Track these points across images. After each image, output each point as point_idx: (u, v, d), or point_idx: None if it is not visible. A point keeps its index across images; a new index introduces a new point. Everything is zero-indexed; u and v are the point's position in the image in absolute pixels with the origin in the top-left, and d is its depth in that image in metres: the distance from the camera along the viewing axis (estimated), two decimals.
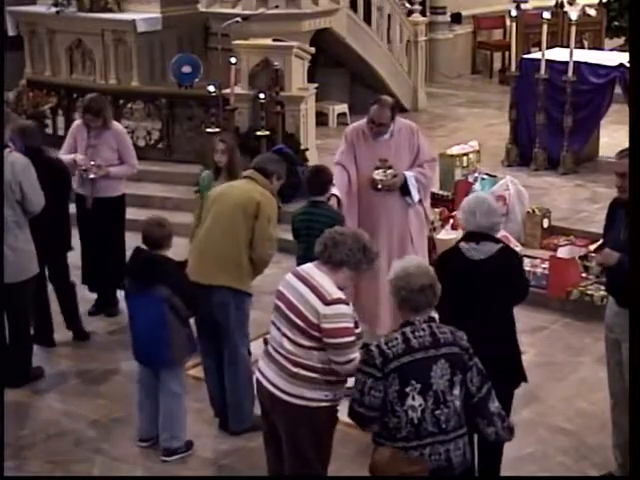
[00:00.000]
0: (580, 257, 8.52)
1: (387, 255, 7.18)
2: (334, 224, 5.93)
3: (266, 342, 6.99)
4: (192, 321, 6.46)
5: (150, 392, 6.38)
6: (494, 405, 4.65)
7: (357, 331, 5.05)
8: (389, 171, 7.10)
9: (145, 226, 6.29)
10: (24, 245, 6.99)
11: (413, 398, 4.51)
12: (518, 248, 9.01)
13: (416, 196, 7.21)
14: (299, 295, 5.02)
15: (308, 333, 4.96)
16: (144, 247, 6.26)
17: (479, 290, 5.41)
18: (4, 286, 6.77)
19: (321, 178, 6.99)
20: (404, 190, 7.19)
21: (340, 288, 5.02)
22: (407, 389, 4.51)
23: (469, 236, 5.52)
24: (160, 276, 6.13)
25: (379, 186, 7.11)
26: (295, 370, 5.00)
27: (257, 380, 5.26)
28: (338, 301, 4.94)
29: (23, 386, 7.13)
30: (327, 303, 4.92)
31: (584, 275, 8.38)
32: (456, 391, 4.55)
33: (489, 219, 5.50)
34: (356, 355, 4.90)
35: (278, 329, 5.12)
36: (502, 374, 5.15)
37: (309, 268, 5.10)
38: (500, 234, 8.97)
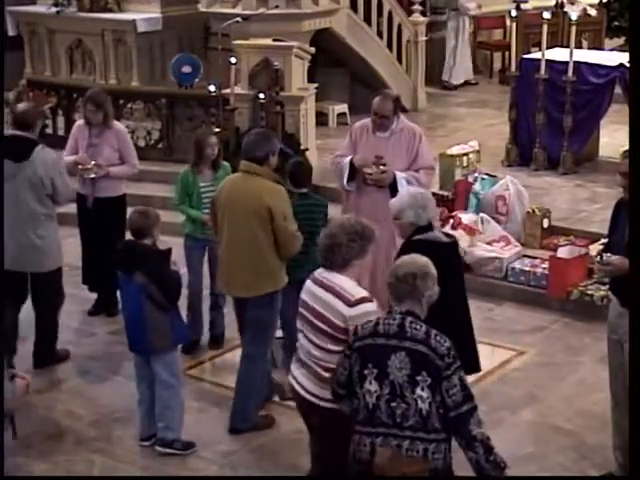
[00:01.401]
0: (595, 255, 8.43)
1: (372, 255, 7.21)
2: (324, 209, 6.57)
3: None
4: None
5: (145, 384, 6.43)
6: (478, 430, 4.50)
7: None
8: (380, 167, 7.14)
9: (130, 215, 6.46)
10: (54, 236, 7.37)
11: (370, 382, 4.55)
12: (518, 248, 9.03)
13: None
14: (323, 302, 5.08)
15: (335, 337, 5.00)
16: (130, 237, 6.44)
17: (458, 270, 5.56)
18: (35, 275, 7.22)
19: (304, 171, 7.17)
20: (394, 191, 7.20)
21: (359, 282, 5.10)
22: (365, 371, 4.57)
23: (428, 228, 5.75)
24: (137, 264, 6.22)
25: (367, 180, 7.17)
26: (326, 375, 5.03)
27: (291, 386, 5.33)
28: (362, 301, 4.98)
29: (49, 366, 7.46)
30: (351, 305, 4.96)
31: (598, 271, 8.19)
32: (422, 392, 4.48)
33: (433, 209, 5.81)
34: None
35: (305, 337, 5.20)
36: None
37: (326, 273, 5.15)
38: (500, 234, 9.07)
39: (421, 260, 4.73)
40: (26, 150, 7.14)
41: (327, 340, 5.02)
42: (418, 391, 4.49)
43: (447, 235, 5.89)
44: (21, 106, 7.66)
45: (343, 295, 5.01)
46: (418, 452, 4.50)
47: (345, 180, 7.33)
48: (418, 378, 4.49)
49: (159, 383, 6.36)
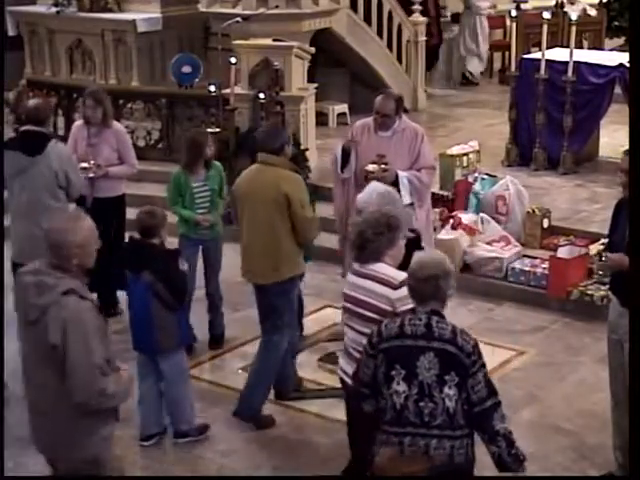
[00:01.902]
0: (596, 255, 8.46)
1: None
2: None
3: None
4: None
5: (149, 383, 6.46)
6: (501, 425, 4.57)
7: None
8: (382, 166, 7.15)
9: (138, 215, 6.47)
10: None
11: (398, 383, 4.54)
12: (518, 248, 9.03)
13: (406, 197, 7.21)
14: (367, 290, 5.18)
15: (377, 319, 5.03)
16: (137, 236, 6.43)
17: None
18: None
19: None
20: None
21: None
22: (392, 372, 4.55)
23: None
24: (145, 263, 6.25)
25: (368, 178, 7.17)
26: None
27: (341, 379, 5.37)
28: (404, 283, 4.94)
29: None
30: (395, 287, 5.01)
31: (601, 273, 8.26)
32: (449, 391, 4.50)
33: (399, 208, 5.82)
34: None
35: (352, 329, 5.26)
36: None
37: (364, 266, 5.23)
38: (500, 234, 9.07)
39: (439, 258, 4.74)
40: (40, 144, 7.24)
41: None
42: (446, 390, 4.51)
43: (411, 230, 5.93)
44: (33, 101, 7.77)
45: (385, 279, 5.11)
46: (445, 449, 4.52)
47: (339, 168, 7.34)
48: (446, 377, 4.52)
49: (167, 382, 6.41)
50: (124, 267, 6.38)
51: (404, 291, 4.89)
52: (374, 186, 6.06)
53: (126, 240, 8.13)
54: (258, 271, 6.65)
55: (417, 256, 4.76)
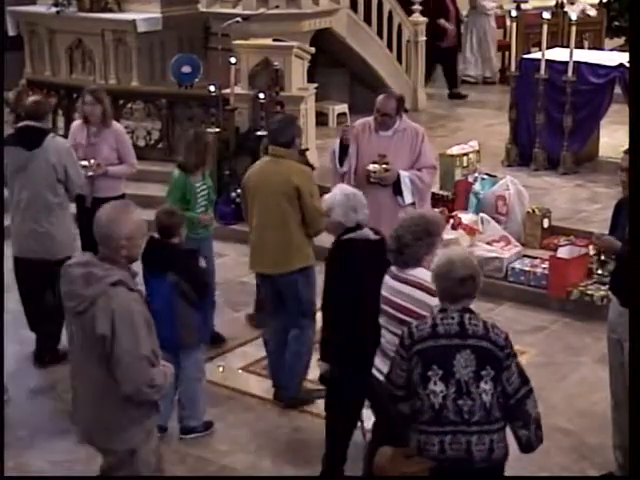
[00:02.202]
0: (590, 256, 8.48)
1: None
2: None
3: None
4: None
5: None
6: (534, 409, 4.64)
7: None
8: (384, 166, 7.15)
9: (156, 214, 6.56)
10: (65, 226, 7.50)
11: (435, 383, 4.54)
12: (518, 248, 9.03)
13: (408, 197, 7.22)
14: (405, 295, 5.19)
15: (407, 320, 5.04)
16: (156, 236, 6.50)
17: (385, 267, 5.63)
18: (49, 263, 7.16)
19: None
20: (397, 189, 7.20)
21: None
22: (429, 373, 4.55)
23: (357, 227, 5.83)
24: (168, 263, 6.35)
25: (371, 178, 7.17)
26: None
27: (378, 381, 5.34)
28: None
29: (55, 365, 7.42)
30: (434, 294, 4.95)
31: (600, 272, 8.30)
32: (486, 386, 4.54)
33: (364, 213, 5.86)
34: None
35: (389, 331, 5.26)
36: None
37: (403, 270, 5.24)
38: (500, 234, 9.06)
39: (466, 256, 4.78)
40: (38, 138, 7.32)
41: None
42: (482, 385, 4.54)
43: (375, 232, 5.93)
44: (32, 97, 7.86)
45: (424, 285, 5.10)
46: (485, 444, 4.56)
47: (337, 162, 7.34)
48: (483, 373, 4.54)
49: (187, 379, 6.48)
50: (146, 268, 6.31)
51: None
52: (340, 187, 6.08)
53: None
54: (270, 262, 6.77)
55: (443, 256, 4.74)
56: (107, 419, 4.71)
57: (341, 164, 7.34)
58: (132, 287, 4.65)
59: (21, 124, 7.58)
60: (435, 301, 4.91)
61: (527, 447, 4.68)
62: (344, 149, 7.30)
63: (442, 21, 14.47)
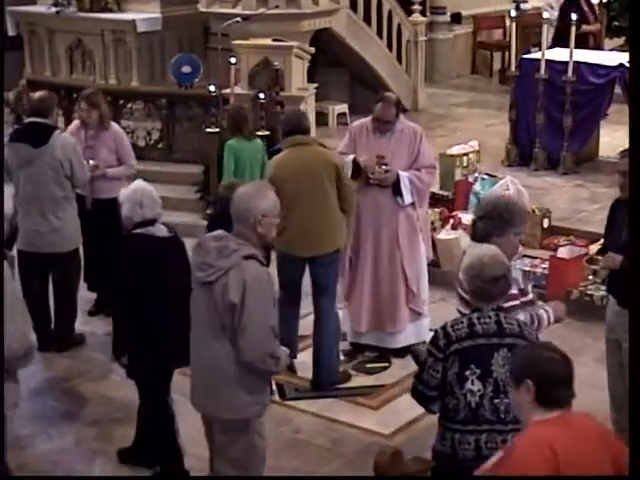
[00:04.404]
0: (587, 260, 8.49)
1: (373, 254, 7.26)
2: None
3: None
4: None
5: None
6: None
7: (526, 298, 5.20)
8: (383, 167, 7.14)
9: (219, 189, 6.99)
10: (72, 218, 7.64)
11: (472, 382, 4.56)
12: (518, 248, 9.01)
13: (408, 197, 7.21)
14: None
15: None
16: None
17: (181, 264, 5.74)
18: (55, 256, 7.49)
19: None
20: (396, 190, 7.20)
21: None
22: (466, 373, 4.57)
23: (148, 223, 5.89)
24: None
25: (370, 180, 7.16)
26: None
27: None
28: None
29: (65, 351, 7.64)
30: None
31: (590, 278, 8.36)
32: None
33: (155, 210, 5.95)
34: (523, 317, 4.98)
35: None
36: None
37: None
38: None
39: (498, 255, 4.80)
40: (45, 135, 7.40)
41: None
42: None
43: (169, 230, 5.99)
44: (37, 94, 7.90)
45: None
46: None
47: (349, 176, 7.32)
48: None
49: None
50: None
51: None
52: (134, 183, 6.27)
53: None
54: (317, 244, 6.96)
55: (474, 257, 4.75)
56: (225, 389, 4.91)
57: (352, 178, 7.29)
58: (263, 262, 4.89)
59: (27, 120, 7.68)
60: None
61: None
62: (356, 167, 7.24)
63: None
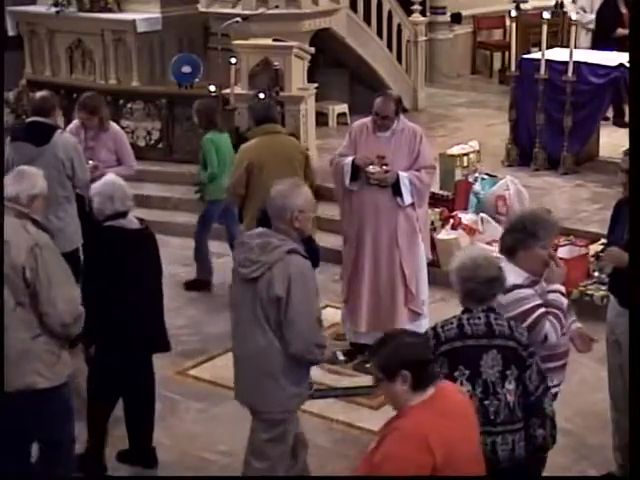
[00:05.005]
0: (593, 256, 8.48)
1: (373, 255, 7.26)
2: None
3: None
4: None
5: None
6: (550, 407, 4.69)
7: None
8: (384, 167, 7.14)
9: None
10: (72, 219, 7.76)
11: (461, 384, 4.55)
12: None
13: (407, 198, 7.21)
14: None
15: None
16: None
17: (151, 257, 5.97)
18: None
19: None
20: (396, 190, 7.20)
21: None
22: (455, 374, 4.56)
23: (119, 215, 6.04)
24: None
25: (370, 180, 7.16)
26: None
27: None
28: (514, 287, 4.90)
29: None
30: (504, 292, 4.88)
31: (596, 274, 8.35)
32: (509, 385, 4.58)
33: (126, 203, 6.05)
34: (547, 328, 4.89)
35: None
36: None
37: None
38: (500, 234, 9.05)
39: (490, 256, 4.82)
40: (47, 135, 7.45)
41: None
42: (507, 385, 4.58)
43: (141, 222, 6.12)
44: (39, 93, 7.99)
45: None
46: (508, 444, 4.61)
47: (348, 180, 7.31)
48: (508, 372, 4.58)
49: None
50: None
51: (511, 296, 4.87)
52: (106, 176, 6.43)
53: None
54: None
55: (466, 257, 4.73)
56: (269, 383, 5.10)
57: (352, 180, 7.29)
58: (305, 255, 5.08)
59: (29, 120, 7.71)
60: (503, 300, 4.81)
61: (543, 446, 4.72)
62: (355, 169, 7.24)
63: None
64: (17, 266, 5.08)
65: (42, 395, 5.17)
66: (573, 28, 10.77)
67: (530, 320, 4.88)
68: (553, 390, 4.95)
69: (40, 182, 5.50)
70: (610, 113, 11.67)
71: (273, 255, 5.00)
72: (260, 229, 5.21)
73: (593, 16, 12.63)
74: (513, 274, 4.94)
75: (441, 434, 3.86)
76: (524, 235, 5.05)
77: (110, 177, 6.33)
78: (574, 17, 11.49)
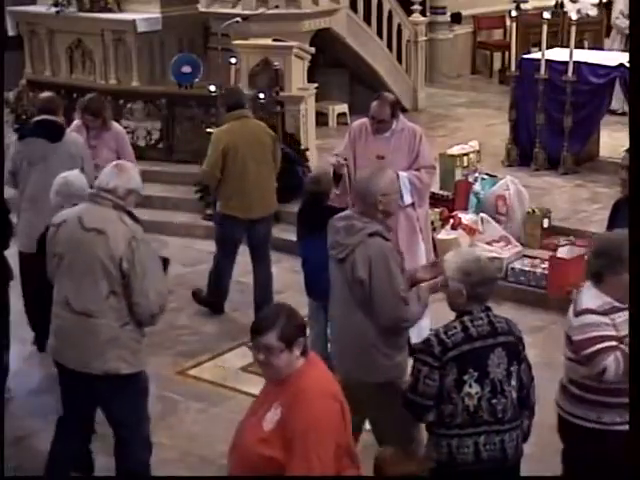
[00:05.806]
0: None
1: None
2: None
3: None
4: None
5: (315, 330, 6.74)
6: (534, 397, 4.83)
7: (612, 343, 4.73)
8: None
9: (305, 182, 7.43)
10: None
11: (470, 386, 4.57)
12: (518, 248, 9.03)
13: (407, 198, 7.20)
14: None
15: (569, 347, 4.89)
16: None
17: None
18: None
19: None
20: None
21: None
22: (465, 377, 4.57)
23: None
24: (325, 222, 6.44)
25: None
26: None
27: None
28: (586, 311, 4.76)
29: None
30: (576, 314, 4.79)
31: None
32: (513, 382, 4.63)
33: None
34: (608, 361, 4.68)
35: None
36: None
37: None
38: (500, 234, 9.07)
39: (484, 257, 4.91)
40: (59, 132, 7.51)
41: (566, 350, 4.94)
42: (512, 382, 4.64)
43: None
44: (44, 94, 8.05)
45: (577, 301, 4.86)
46: (514, 441, 4.67)
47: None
48: (512, 369, 4.64)
49: None
50: (306, 229, 6.87)
51: (580, 320, 4.75)
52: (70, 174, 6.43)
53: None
54: (260, 206, 8.00)
55: (465, 262, 4.71)
56: (364, 355, 5.24)
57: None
58: (387, 237, 5.25)
59: (38, 118, 7.68)
60: (574, 322, 4.74)
61: (527, 436, 4.83)
62: (337, 176, 7.19)
63: None
64: (115, 257, 5.21)
65: (124, 380, 5.39)
66: (573, 28, 10.76)
67: (590, 350, 4.71)
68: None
69: (137, 177, 5.54)
70: (616, 107, 11.70)
71: (355, 238, 5.18)
72: (347, 212, 5.41)
73: None
74: (589, 298, 4.79)
75: (333, 382, 4.17)
76: (611, 261, 4.75)
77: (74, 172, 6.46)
78: (590, 13, 11.56)
